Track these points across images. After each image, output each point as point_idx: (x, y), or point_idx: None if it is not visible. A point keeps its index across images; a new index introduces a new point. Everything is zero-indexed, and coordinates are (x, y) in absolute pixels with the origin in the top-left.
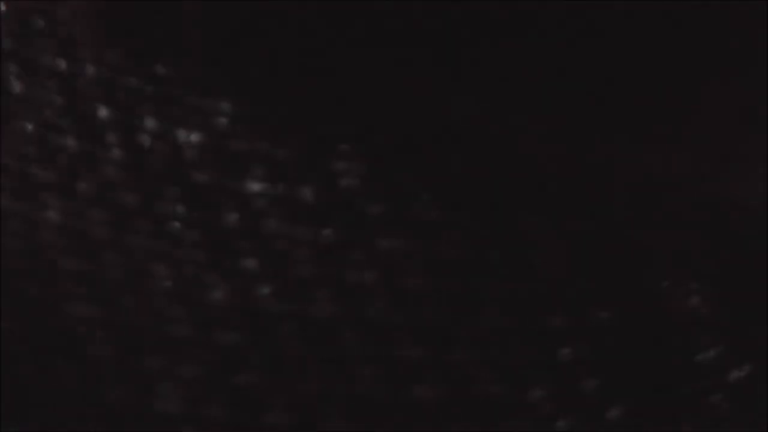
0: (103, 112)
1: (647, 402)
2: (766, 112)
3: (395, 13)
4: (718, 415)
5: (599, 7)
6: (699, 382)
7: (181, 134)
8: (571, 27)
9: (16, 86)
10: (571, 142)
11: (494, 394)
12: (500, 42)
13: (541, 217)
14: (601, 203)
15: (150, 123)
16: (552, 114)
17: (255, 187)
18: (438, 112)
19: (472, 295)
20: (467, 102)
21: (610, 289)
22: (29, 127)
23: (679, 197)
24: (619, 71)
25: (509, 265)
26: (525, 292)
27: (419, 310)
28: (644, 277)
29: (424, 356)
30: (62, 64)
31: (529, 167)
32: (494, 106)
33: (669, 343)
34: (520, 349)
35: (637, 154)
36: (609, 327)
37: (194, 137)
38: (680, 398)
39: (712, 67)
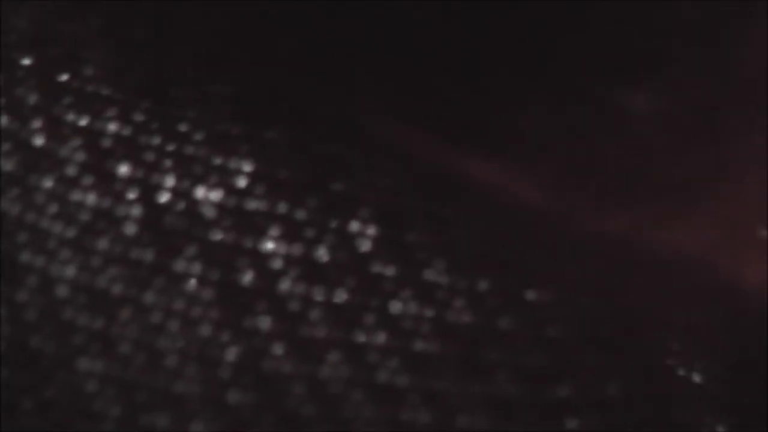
0: (123, 169)
1: None
2: None
3: (421, 78)
4: None
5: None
6: None
7: (200, 193)
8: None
9: (39, 141)
10: (586, 213)
11: None
12: (524, 111)
13: (551, 287)
14: (611, 275)
15: (170, 181)
16: (571, 186)
17: (271, 247)
18: (456, 179)
19: (482, 361)
20: (485, 167)
21: (616, 362)
22: (50, 182)
23: (688, 273)
24: (631, 145)
25: (519, 333)
26: (534, 360)
27: (429, 375)
28: (651, 352)
29: (433, 421)
30: (85, 120)
31: (544, 237)
32: (513, 174)
33: (673, 419)
34: (528, 418)
35: (648, 228)
36: (616, 400)
37: (213, 196)
38: None
39: (736, 137)
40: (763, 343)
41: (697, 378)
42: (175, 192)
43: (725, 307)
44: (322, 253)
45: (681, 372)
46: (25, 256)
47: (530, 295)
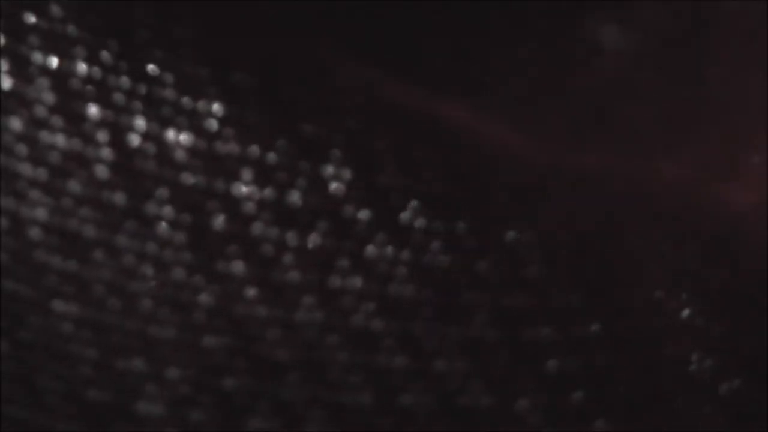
0: (93, 111)
1: (636, 414)
2: (765, 119)
3: (389, 20)
4: (709, 428)
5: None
6: (690, 395)
7: (171, 135)
8: (566, 36)
9: (7, 83)
10: (561, 150)
11: (480, 405)
12: (493, 48)
13: (530, 227)
14: (591, 212)
15: (140, 123)
16: (544, 125)
17: (244, 190)
18: (428, 120)
19: (459, 304)
20: (457, 107)
21: (600, 300)
22: (19, 124)
23: (671, 205)
24: (612, 79)
25: (497, 275)
26: (513, 302)
27: (406, 319)
28: (635, 288)
29: (410, 365)
30: (54, 61)
31: (520, 176)
32: (486, 113)
33: (659, 355)
34: (507, 360)
35: (627, 161)
36: (598, 339)
37: (184, 139)
38: (671, 411)
39: (711, 73)
40: (751, 270)
41: (684, 311)
42: (146, 135)
43: (711, 236)
44: (295, 197)
45: (667, 305)
46: None
47: (508, 236)
